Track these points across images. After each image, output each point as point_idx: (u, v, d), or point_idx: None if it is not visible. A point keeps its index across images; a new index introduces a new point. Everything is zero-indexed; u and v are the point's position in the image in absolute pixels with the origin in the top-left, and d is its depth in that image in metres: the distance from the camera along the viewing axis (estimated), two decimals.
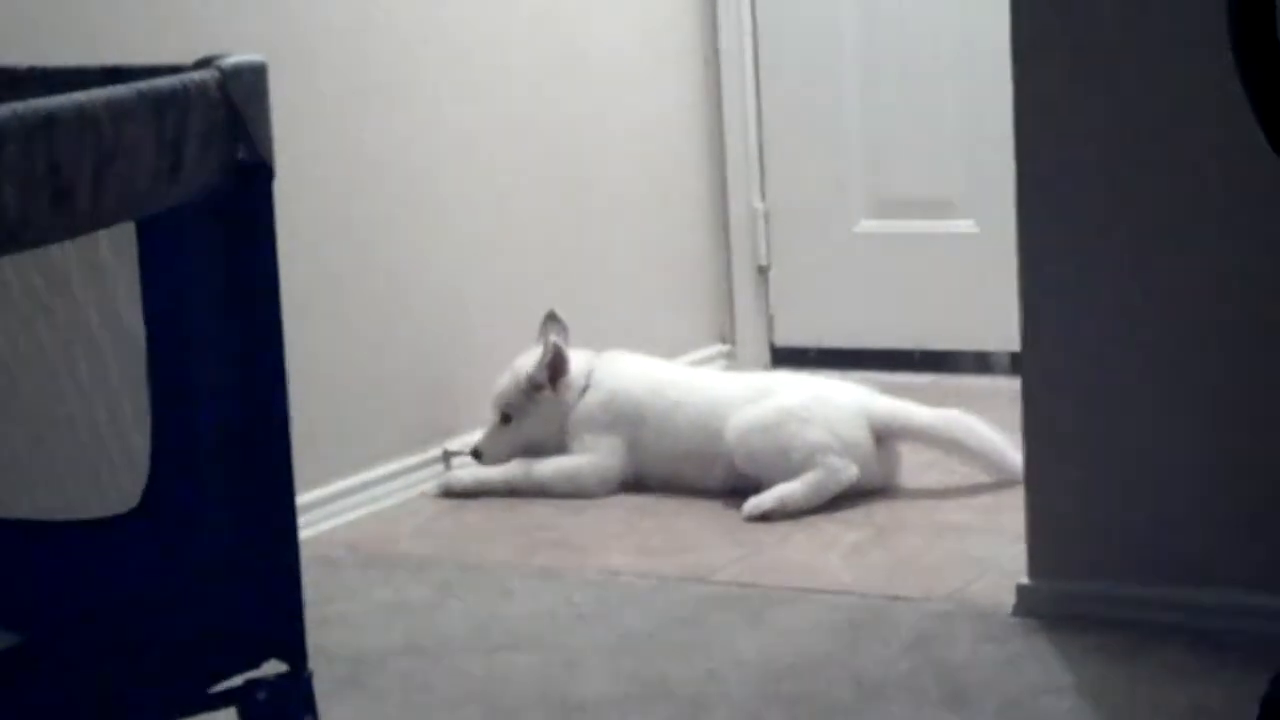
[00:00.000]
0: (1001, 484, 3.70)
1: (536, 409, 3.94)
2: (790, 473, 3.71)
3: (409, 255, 4.03)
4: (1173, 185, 2.98)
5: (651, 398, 3.93)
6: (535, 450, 3.95)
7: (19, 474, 2.18)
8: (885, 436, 3.79)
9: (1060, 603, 3.09)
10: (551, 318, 4.01)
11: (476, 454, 3.97)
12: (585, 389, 3.95)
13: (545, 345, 3.93)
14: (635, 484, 3.93)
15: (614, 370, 3.98)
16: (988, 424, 3.78)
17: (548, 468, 3.92)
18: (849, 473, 3.72)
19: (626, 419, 3.92)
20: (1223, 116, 2.84)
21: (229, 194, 2.06)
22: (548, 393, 3.93)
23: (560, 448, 3.95)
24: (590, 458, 3.91)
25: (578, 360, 3.97)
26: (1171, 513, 3.04)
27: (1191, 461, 3.02)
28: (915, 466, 3.88)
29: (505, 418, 3.96)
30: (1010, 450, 3.67)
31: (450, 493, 3.93)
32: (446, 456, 4.06)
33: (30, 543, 2.18)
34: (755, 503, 3.69)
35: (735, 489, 3.79)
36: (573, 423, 3.93)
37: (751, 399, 3.84)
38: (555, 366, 3.93)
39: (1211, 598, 3.00)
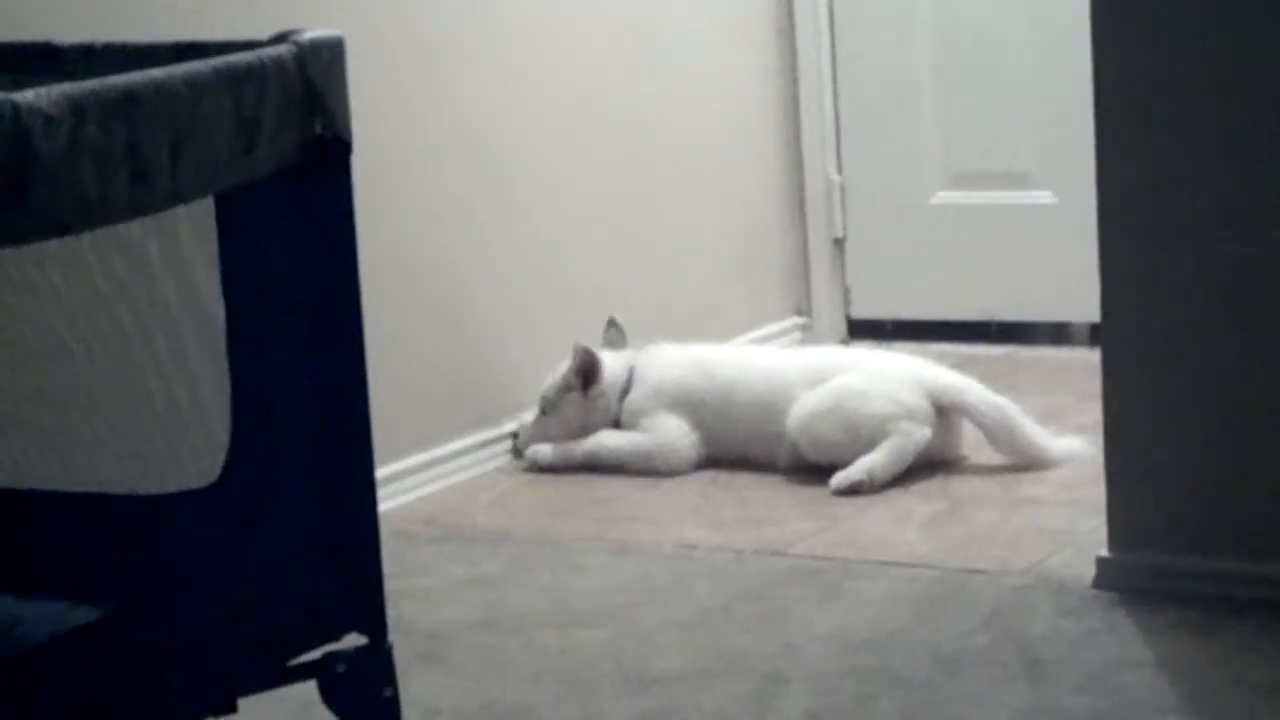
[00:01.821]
0: (1083, 460, 3.67)
1: (565, 408, 3.96)
2: (861, 450, 3.70)
3: (483, 230, 4.03)
4: (1255, 153, 2.95)
5: (703, 380, 3.92)
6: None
7: (100, 449, 2.19)
8: (941, 407, 3.78)
9: (1140, 576, 3.07)
10: (611, 324, 4.07)
11: (514, 435, 3.99)
12: (627, 388, 3.95)
13: (575, 350, 3.94)
14: (707, 459, 3.92)
15: (655, 362, 3.98)
16: (1031, 420, 3.77)
17: (625, 444, 3.91)
18: (922, 433, 3.72)
19: (679, 403, 3.91)
20: None
21: (306, 170, 2.06)
22: (576, 395, 3.95)
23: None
24: (661, 438, 3.90)
25: (617, 362, 3.98)
26: (1252, 486, 3.02)
27: (1273, 435, 2.99)
28: (972, 441, 3.86)
29: (543, 410, 3.99)
30: (1048, 443, 3.69)
31: (536, 467, 3.93)
32: (517, 433, 4.07)
33: (110, 517, 2.20)
34: (843, 475, 3.68)
35: (804, 467, 3.79)
36: (627, 418, 3.94)
37: (807, 377, 3.83)
38: (586, 373, 3.95)
39: None
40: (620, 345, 4.06)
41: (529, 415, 4.05)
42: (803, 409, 3.78)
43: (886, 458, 3.69)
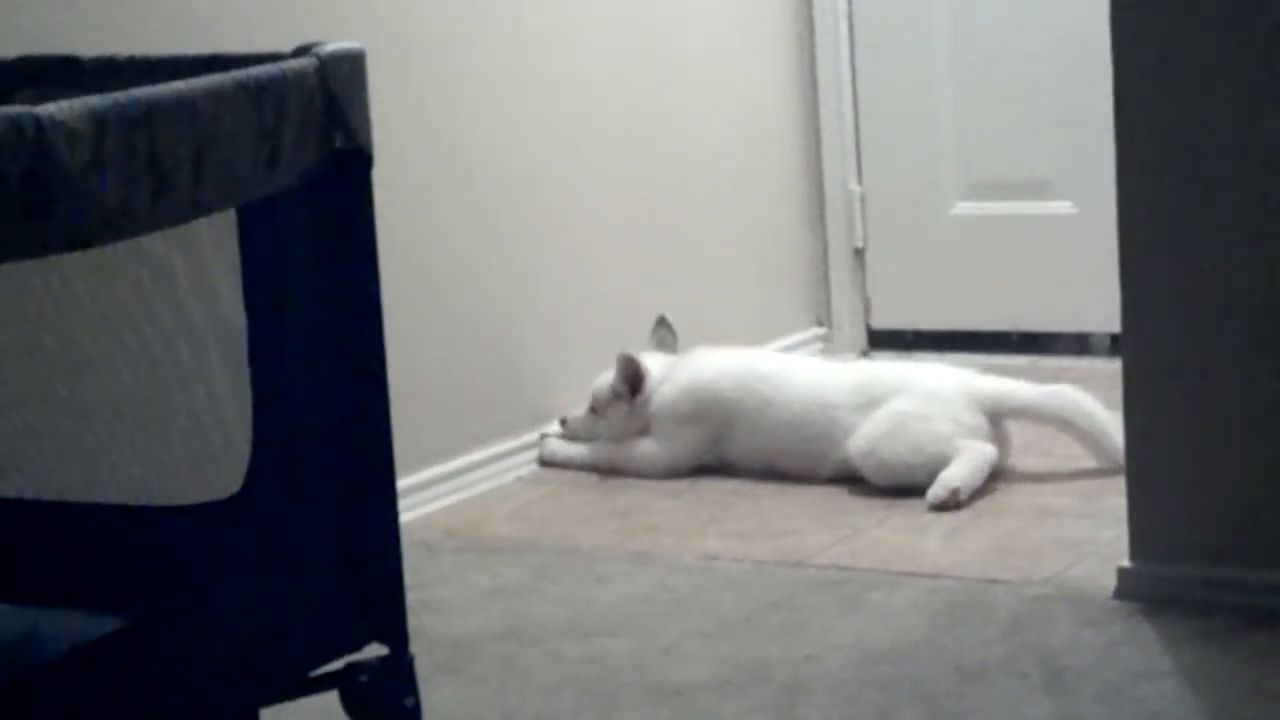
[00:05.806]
0: (1104, 470, 3.67)
1: (612, 415, 3.99)
2: (929, 469, 3.67)
3: (505, 241, 4.04)
4: (1277, 164, 2.94)
5: (739, 393, 3.91)
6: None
7: (123, 461, 2.20)
8: (993, 417, 3.78)
9: (1161, 586, 3.07)
10: (661, 322, 4.09)
11: (563, 422, 4.04)
12: (661, 384, 3.98)
13: (619, 359, 3.95)
14: (727, 468, 3.93)
15: (693, 364, 3.99)
16: (1096, 401, 3.75)
17: (623, 451, 3.96)
18: (990, 449, 3.70)
19: (707, 412, 3.92)
20: None
21: (327, 182, 2.07)
22: (623, 403, 3.97)
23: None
24: (661, 445, 3.92)
25: (661, 366, 4.01)
26: (1273, 497, 3.01)
27: None
28: (1014, 450, 3.86)
29: (593, 409, 4.01)
30: (1118, 432, 3.64)
31: (545, 462, 4.00)
32: (542, 441, 4.08)
33: (133, 528, 2.21)
34: (939, 487, 3.62)
35: (840, 480, 3.79)
36: (652, 415, 3.97)
37: (854, 398, 3.82)
38: (631, 381, 3.97)
39: None
40: (671, 346, 4.08)
41: (552, 426, 4.07)
42: (863, 439, 3.76)
43: (967, 469, 3.66)
